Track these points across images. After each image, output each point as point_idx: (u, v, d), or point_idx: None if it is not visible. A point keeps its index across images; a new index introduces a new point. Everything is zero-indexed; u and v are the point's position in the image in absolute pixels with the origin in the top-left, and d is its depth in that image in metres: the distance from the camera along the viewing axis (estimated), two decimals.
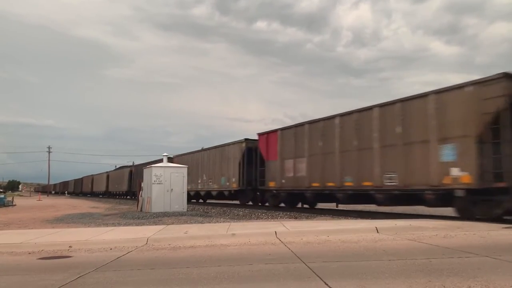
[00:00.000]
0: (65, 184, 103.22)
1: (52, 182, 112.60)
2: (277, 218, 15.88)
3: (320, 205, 20.07)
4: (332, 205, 19.03)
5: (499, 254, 6.48)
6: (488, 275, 5.03)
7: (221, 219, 15.64)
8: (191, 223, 13.72)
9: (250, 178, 23.40)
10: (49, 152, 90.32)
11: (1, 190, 49.27)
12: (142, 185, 22.13)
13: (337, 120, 16.76)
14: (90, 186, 69.52)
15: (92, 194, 68.00)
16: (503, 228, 9.73)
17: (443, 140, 12.35)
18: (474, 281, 4.77)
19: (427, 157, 12.80)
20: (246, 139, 23.98)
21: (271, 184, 20.74)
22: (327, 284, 4.83)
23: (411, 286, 4.64)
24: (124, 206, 27.74)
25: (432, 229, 9.69)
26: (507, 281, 4.71)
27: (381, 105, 14.73)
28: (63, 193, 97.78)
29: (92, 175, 71.27)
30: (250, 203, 24.86)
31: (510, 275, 5.04)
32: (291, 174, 19.33)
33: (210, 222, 13.78)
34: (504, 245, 7.56)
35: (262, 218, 15.91)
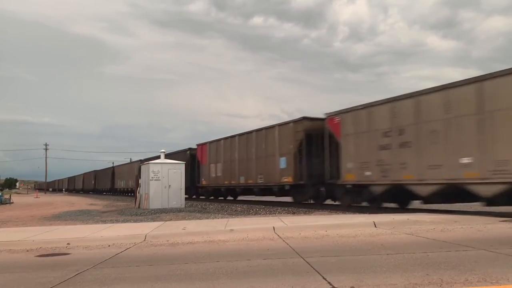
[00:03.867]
0: (77, 179, 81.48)
1: (49, 179, 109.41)
2: (275, 213, 15.91)
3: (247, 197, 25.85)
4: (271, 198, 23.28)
5: (496, 247, 6.52)
6: (485, 268, 5.05)
7: (219, 215, 15.65)
8: (189, 219, 13.73)
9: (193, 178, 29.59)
10: (46, 149, 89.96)
11: None
12: (139, 182, 22.11)
13: (236, 138, 24.70)
14: (110, 180, 52.38)
15: (114, 192, 52.27)
16: (500, 221, 9.79)
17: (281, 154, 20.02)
18: (472, 274, 4.80)
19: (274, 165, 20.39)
20: (190, 148, 31.56)
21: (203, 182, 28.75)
22: (325, 279, 4.85)
23: (408, 279, 4.66)
24: (122, 203, 27.75)
25: (429, 223, 9.73)
26: (504, 274, 4.74)
27: (241, 134, 24.45)
28: (60, 190, 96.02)
29: (112, 166, 55.77)
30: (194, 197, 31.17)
31: (507, 268, 5.06)
32: (214, 175, 27.16)
33: (208, 218, 13.78)
34: (501, 238, 7.60)
35: (260, 214, 15.95)
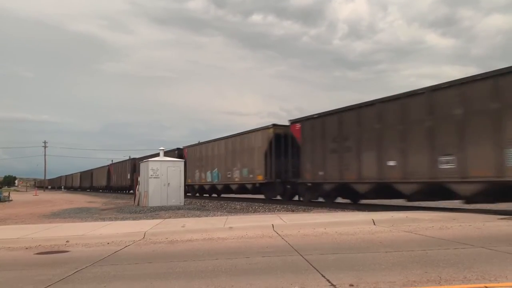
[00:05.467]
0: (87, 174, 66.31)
1: (49, 177, 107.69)
2: (274, 211, 15.91)
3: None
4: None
5: (494, 245, 6.53)
6: (483, 266, 5.06)
7: (218, 212, 15.66)
8: (188, 217, 13.73)
9: None
10: (45, 147, 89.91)
11: None
12: (139, 179, 22.11)
13: None
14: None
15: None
16: (498, 219, 9.80)
17: None
18: (470, 271, 4.81)
19: None
20: None
21: None
22: (324, 276, 4.86)
23: (407, 277, 4.67)
24: (121, 201, 27.74)
25: (428, 220, 9.75)
26: (502, 271, 4.75)
27: None
28: (59, 188, 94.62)
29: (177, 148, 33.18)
30: None
31: (505, 266, 5.08)
32: None
33: (207, 216, 13.79)
34: (500, 236, 7.61)
35: (259, 211, 15.95)
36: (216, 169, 25.89)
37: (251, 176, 21.92)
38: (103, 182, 54.46)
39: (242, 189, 23.60)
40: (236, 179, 23.48)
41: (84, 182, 69.08)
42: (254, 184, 21.94)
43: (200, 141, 29.98)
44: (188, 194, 29.96)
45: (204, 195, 29.54)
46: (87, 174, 66.92)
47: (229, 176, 24.23)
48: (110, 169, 52.17)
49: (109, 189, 52.44)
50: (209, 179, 26.94)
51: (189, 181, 28.98)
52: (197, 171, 28.69)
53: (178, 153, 31.79)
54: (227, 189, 25.38)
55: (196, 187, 29.55)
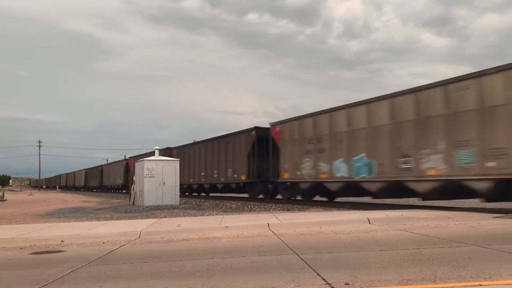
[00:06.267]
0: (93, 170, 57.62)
1: (45, 176, 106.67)
2: (270, 210, 15.93)
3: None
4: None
5: (489, 243, 6.57)
6: (478, 264, 5.09)
7: (214, 212, 15.65)
8: (184, 216, 13.71)
9: None
10: (39, 146, 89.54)
11: None
12: (134, 179, 22.05)
13: None
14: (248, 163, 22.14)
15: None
16: (493, 217, 9.86)
17: None
18: (465, 270, 4.83)
19: None
20: None
21: None
22: (319, 275, 4.86)
23: (402, 275, 4.69)
24: (116, 200, 27.66)
25: (423, 219, 9.79)
26: (497, 270, 4.78)
27: None
28: (54, 188, 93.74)
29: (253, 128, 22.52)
30: None
31: (499, 264, 5.10)
32: None
33: (202, 215, 13.78)
34: (494, 234, 7.66)
35: (254, 211, 15.96)
36: (362, 154, 15.21)
37: (490, 164, 10.86)
38: (119, 181, 44.53)
39: (449, 190, 12.48)
40: (430, 173, 12.61)
41: (91, 181, 59.46)
42: None
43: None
44: (278, 198, 20.78)
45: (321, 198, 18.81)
46: (95, 171, 57.06)
47: (403, 166, 13.58)
48: (130, 164, 38.77)
49: (128, 188, 39.54)
50: (339, 173, 16.31)
51: (285, 175, 19.11)
52: (306, 159, 17.96)
53: (257, 134, 21.42)
54: (394, 190, 14.52)
55: (304, 186, 18.27)
